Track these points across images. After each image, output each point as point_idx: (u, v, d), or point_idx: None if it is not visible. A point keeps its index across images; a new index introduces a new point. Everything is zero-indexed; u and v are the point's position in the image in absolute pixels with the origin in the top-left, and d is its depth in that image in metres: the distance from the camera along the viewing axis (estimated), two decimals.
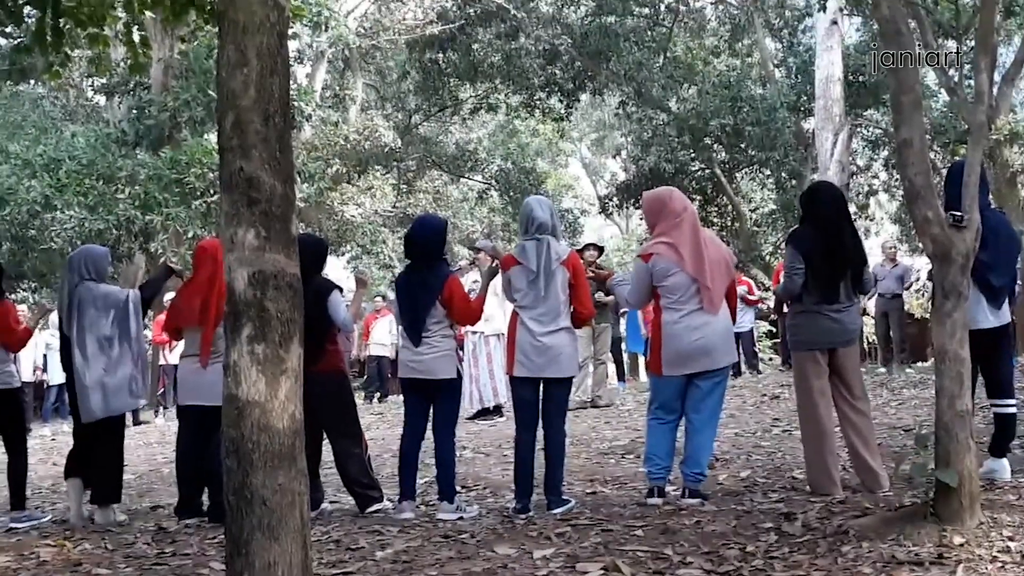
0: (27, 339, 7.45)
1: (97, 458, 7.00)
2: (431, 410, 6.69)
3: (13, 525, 7.01)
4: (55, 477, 9.40)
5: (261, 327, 3.45)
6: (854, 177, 25.41)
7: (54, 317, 16.18)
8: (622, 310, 15.84)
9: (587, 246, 13.27)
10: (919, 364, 15.53)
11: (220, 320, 6.35)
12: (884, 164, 26.91)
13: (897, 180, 25.48)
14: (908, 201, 5.05)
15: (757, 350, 17.32)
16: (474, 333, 12.05)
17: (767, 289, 19.71)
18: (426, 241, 6.68)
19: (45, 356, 17.51)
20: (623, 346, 18.03)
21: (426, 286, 6.56)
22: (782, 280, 6.56)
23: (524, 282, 6.41)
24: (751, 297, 16.33)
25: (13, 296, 22.05)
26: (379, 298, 18.98)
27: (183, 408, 7.16)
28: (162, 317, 16.03)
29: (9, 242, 19.95)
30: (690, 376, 6.29)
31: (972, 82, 5.32)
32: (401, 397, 7.13)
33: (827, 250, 6.20)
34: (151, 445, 12.40)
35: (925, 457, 4.97)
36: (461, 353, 13.50)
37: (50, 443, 13.48)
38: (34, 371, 17.01)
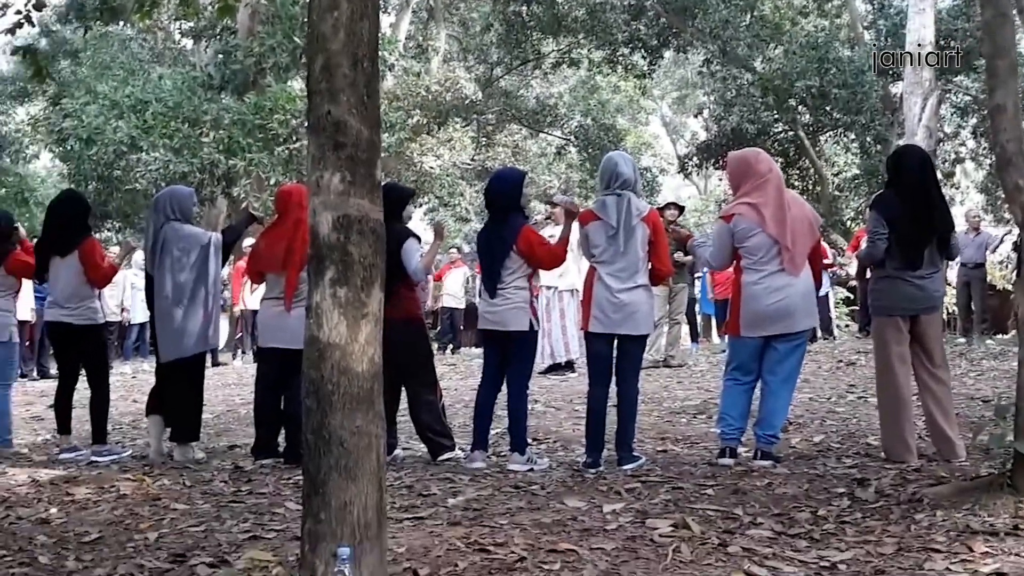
0: (112, 275, 7.58)
1: (177, 397, 7.14)
2: (500, 362, 6.73)
3: (95, 458, 7.19)
4: (135, 414, 9.61)
5: (344, 271, 3.48)
6: (941, 144, 24.89)
7: (138, 256, 16.49)
8: (697, 272, 15.74)
9: (668, 205, 13.19)
10: (1000, 336, 15.26)
11: (304, 265, 6.43)
12: (972, 132, 26.31)
13: (985, 148, 24.96)
14: (999, 168, 4.96)
15: (833, 316, 17.10)
16: (548, 288, 12.05)
17: (842, 253, 19.44)
18: (502, 194, 6.67)
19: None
20: (697, 307, 17.94)
21: (501, 238, 6.56)
22: (864, 245, 6.47)
23: (603, 237, 6.39)
24: (825, 261, 16.11)
25: (98, 235, 22.45)
26: (454, 250, 19.05)
27: (264, 350, 7.27)
28: (241, 264, 16.27)
29: (95, 181, 20.29)
30: (768, 338, 6.25)
31: None
32: (473, 349, 7.14)
33: (913, 215, 6.11)
34: (229, 386, 12.62)
35: (1004, 428, 4.91)
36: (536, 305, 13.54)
37: (131, 381, 13.77)
38: (121, 311, 17.32)
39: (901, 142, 19.94)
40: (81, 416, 7.66)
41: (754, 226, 6.20)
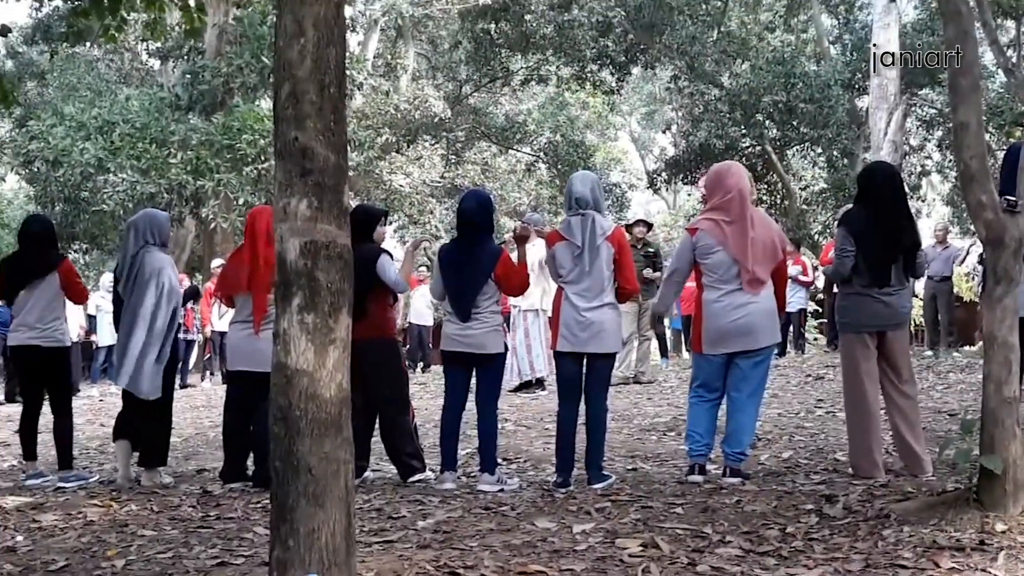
0: (84, 298, 7.72)
1: (145, 421, 7.11)
2: (470, 382, 6.74)
3: (61, 485, 7.14)
4: (103, 438, 9.55)
5: (311, 297, 3.48)
6: (907, 157, 25.14)
7: (105, 279, 16.44)
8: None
9: (637, 222, 13.23)
10: (967, 348, 15.38)
11: (270, 287, 6.45)
12: (938, 144, 26.61)
13: (950, 161, 25.19)
14: (962, 184, 5.00)
15: (804, 331, 17.22)
16: (513, 307, 12.11)
17: (815, 268, 19.55)
18: (478, 215, 6.68)
19: (93, 317, 17.73)
20: (666, 323, 17.98)
21: (477, 262, 6.56)
22: (833, 261, 6.51)
23: (569, 257, 6.41)
24: (803, 279, 16.20)
25: None
26: (424, 267, 19.03)
27: (232, 373, 7.24)
28: (210, 285, 16.28)
29: (62, 203, 20.22)
30: (732, 355, 6.29)
31: None
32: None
33: (880, 232, 6.14)
34: (197, 409, 12.56)
35: (970, 443, 4.94)
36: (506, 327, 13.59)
37: (98, 404, 13.68)
38: (78, 332, 17.22)
39: (868, 156, 20.13)
40: (47, 441, 7.61)
41: (715, 244, 6.25)
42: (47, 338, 7.35)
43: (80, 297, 7.64)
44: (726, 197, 6.32)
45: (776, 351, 16.37)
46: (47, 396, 7.51)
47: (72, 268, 7.57)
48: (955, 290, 16.81)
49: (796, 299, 16.18)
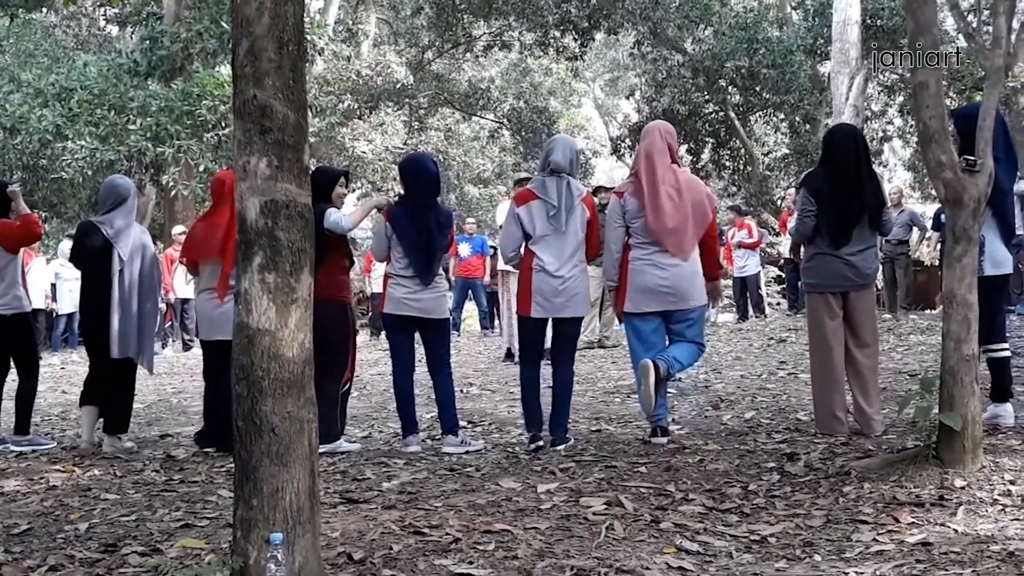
0: (28, 229, 7.21)
1: (114, 387, 7.04)
2: (415, 346, 6.74)
3: (14, 448, 7.05)
4: (64, 405, 9.49)
5: (272, 256, 3.46)
6: (868, 122, 25.24)
7: (63, 246, 16.27)
8: None
9: (599, 188, 13.22)
10: (927, 311, 15.51)
11: None
12: (899, 110, 26.70)
13: (912, 126, 25.32)
14: (922, 144, 5.04)
15: (763, 294, 17.32)
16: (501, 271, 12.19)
17: (776, 234, 19.64)
18: (435, 180, 6.64)
19: (53, 285, 17.59)
20: None
21: (440, 227, 6.54)
22: (795, 222, 6.53)
23: (543, 217, 6.35)
24: (749, 241, 16.36)
25: None
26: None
27: (206, 343, 7.11)
28: (171, 251, 16.16)
29: (20, 171, 19.94)
30: (662, 318, 6.32)
31: (990, 27, 5.27)
32: None
33: (840, 192, 6.14)
34: (159, 376, 12.47)
35: (929, 400, 5.00)
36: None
37: (60, 372, 13.58)
38: (44, 298, 17.08)
39: (829, 121, 20.19)
40: (7, 408, 7.54)
41: (640, 209, 6.26)
42: (5, 306, 7.23)
43: (20, 238, 7.18)
44: (641, 159, 6.39)
45: (739, 316, 16.58)
46: (13, 362, 7.39)
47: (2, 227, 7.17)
48: (916, 254, 16.96)
49: (749, 264, 16.38)
